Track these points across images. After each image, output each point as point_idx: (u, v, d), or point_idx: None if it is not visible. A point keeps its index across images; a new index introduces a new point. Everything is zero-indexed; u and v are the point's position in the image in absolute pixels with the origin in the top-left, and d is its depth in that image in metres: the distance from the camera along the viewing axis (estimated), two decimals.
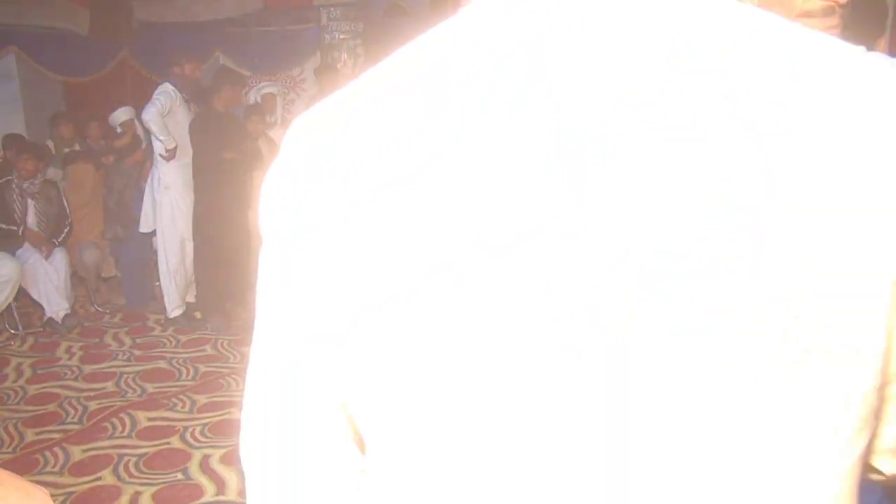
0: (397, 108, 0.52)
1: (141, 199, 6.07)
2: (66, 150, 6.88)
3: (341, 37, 8.43)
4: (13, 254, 5.71)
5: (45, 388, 4.66)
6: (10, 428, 4.12)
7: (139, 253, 6.28)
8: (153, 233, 5.96)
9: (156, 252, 6.01)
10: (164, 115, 5.47)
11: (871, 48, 1.18)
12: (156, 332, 5.72)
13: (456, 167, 0.49)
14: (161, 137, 5.46)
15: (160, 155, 5.58)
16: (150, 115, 5.39)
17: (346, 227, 0.52)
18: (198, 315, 5.82)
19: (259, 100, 6.86)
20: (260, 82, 7.67)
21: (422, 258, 0.49)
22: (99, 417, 4.24)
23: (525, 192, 0.47)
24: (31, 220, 5.86)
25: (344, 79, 6.10)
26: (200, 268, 5.65)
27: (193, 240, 5.64)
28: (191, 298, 5.90)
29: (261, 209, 0.57)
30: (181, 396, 4.42)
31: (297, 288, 0.55)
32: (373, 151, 0.52)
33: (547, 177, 0.47)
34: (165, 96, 5.51)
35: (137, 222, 6.10)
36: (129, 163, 6.40)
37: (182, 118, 5.60)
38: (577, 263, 0.46)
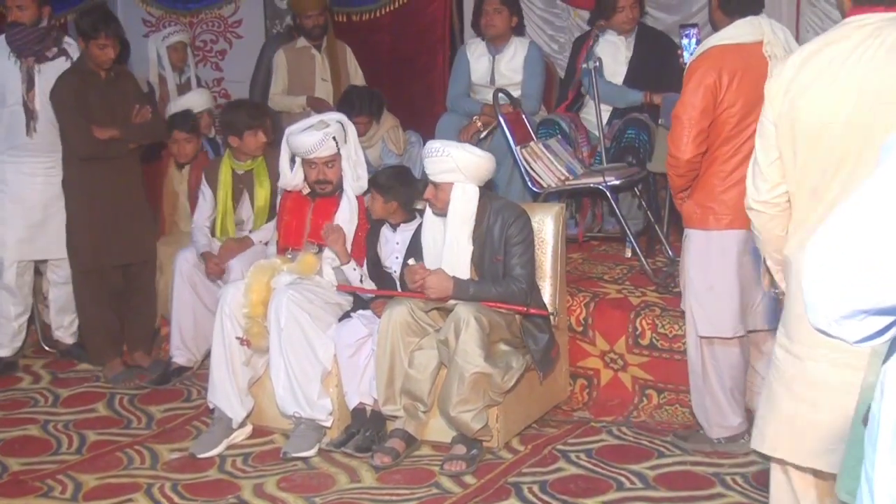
0: None
1: None
2: None
3: None
4: None
5: None
6: None
7: None
8: None
9: None
10: None
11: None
12: (23, 385, 5.09)
13: None
14: None
15: None
16: None
17: None
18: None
19: (161, 52, 5.83)
20: (169, 25, 6.43)
21: None
22: None
23: None
24: None
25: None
26: (83, 298, 4.98)
27: (70, 261, 4.95)
28: (68, 338, 5.30)
29: None
30: (60, 477, 3.99)
31: None
32: None
33: None
34: None
35: None
36: None
37: (13, 82, 4.72)
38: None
